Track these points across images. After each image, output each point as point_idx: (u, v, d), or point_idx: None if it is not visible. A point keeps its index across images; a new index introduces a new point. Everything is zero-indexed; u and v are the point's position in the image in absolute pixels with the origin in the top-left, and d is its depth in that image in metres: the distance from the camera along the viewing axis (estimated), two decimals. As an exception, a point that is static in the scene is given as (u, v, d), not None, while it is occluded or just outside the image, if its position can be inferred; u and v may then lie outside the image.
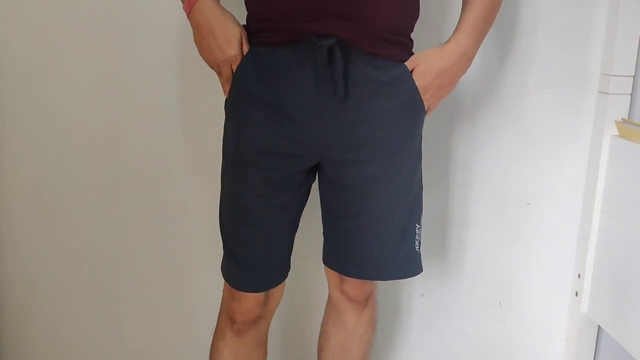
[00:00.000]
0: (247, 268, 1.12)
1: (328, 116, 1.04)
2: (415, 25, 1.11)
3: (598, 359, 1.55)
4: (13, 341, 1.56)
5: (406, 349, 1.62)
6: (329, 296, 1.28)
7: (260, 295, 1.15)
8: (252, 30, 1.06)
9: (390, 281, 1.49)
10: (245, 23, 1.09)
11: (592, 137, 1.47)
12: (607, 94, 1.40)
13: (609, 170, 1.42)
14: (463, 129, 1.49)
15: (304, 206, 1.16)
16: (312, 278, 1.51)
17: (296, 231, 1.17)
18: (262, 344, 1.23)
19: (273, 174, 1.07)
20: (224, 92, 1.10)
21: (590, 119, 1.47)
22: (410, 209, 1.13)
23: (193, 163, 1.48)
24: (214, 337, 1.22)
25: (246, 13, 1.09)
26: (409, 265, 1.15)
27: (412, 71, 1.06)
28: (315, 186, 1.17)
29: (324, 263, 1.22)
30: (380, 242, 1.11)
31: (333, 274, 1.22)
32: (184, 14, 1.06)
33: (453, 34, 1.09)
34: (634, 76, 1.39)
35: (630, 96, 1.40)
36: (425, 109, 1.10)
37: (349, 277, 1.18)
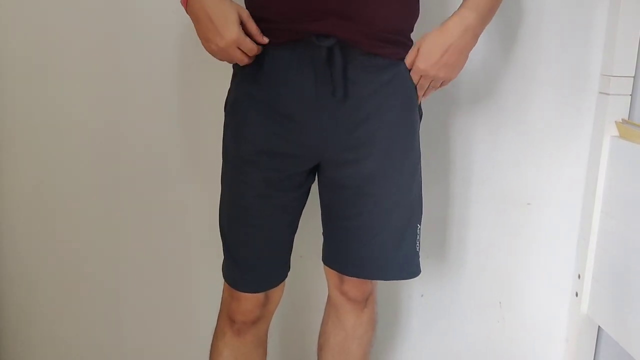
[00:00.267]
0: (247, 268, 1.12)
1: (327, 116, 1.04)
2: (415, 25, 1.11)
3: (598, 359, 1.55)
4: (13, 341, 1.56)
5: (406, 349, 1.62)
6: (329, 296, 1.28)
7: (260, 296, 1.15)
8: None
9: (390, 281, 1.50)
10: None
11: (592, 137, 1.47)
12: (607, 94, 1.40)
13: (609, 171, 1.42)
14: (463, 129, 1.49)
15: (304, 206, 1.16)
16: (312, 278, 1.51)
17: (296, 231, 1.17)
18: (262, 344, 1.23)
19: (273, 174, 1.07)
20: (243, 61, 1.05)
21: (590, 120, 1.47)
22: (411, 209, 1.13)
23: (193, 163, 1.48)
24: (213, 337, 1.22)
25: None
26: (408, 265, 1.15)
27: (417, 54, 1.04)
28: (315, 186, 1.17)
29: (324, 263, 1.21)
30: (380, 241, 1.11)
31: (333, 274, 1.22)
32: (184, 14, 1.05)
33: (457, 9, 1.06)
34: (634, 77, 1.39)
35: (630, 97, 1.40)
36: (436, 87, 1.09)
37: (349, 276, 1.18)
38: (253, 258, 1.12)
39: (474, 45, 1.07)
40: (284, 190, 1.09)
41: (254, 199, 1.08)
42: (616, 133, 1.41)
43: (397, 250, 1.12)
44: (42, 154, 1.46)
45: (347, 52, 1.01)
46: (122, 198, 1.49)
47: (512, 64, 1.45)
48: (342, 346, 1.26)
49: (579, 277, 1.51)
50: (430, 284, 1.57)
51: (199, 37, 1.04)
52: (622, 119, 1.40)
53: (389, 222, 1.11)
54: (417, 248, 1.15)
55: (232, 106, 1.09)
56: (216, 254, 1.19)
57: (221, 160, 1.13)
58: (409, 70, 1.07)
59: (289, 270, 1.19)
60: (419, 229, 1.15)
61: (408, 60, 1.06)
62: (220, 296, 1.21)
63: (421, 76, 1.06)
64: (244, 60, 1.03)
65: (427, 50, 1.04)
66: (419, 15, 1.11)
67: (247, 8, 1.06)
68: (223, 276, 1.16)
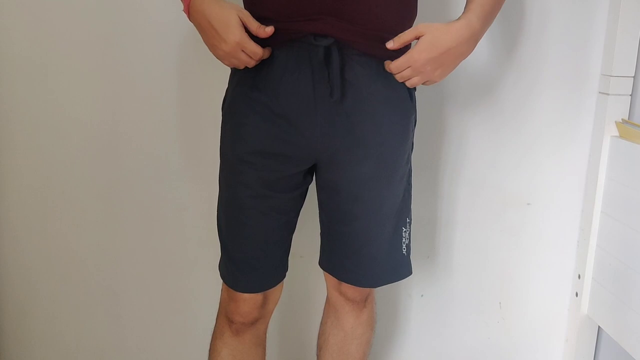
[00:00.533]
0: (244, 268, 1.12)
1: (324, 117, 1.03)
2: (413, 25, 1.10)
3: (598, 359, 1.55)
4: (13, 341, 1.56)
5: (406, 349, 1.62)
6: (328, 297, 1.28)
7: (258, 297, 1.15)
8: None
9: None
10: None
11: (592, 137, 1.47)
12: (607, 94, 1.40)
13: (609, 171, 1.42)
14: (463, 129, 1.48)
15: (301, 207, 1.16)
16: (312, 278, 1.51)
17: (293, 232, 1.17)
18: (261, 343, 1.23)
19: (269, 174, 1.07)
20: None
21: (590, 120, 1.47)
22: (399, 213, 1.14)
23: (192, 163, 1.48)
24: (212, 337, 1.22)
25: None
26: (398, 268, 1.16)
27: (417, 40, 0.99)
28: (313, 187, 1.17)
29: (320, 266, 1.22)
30: (373, 248, 1.12)
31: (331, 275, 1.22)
32: (184, 14, 1.06)
33: (463, 13, 1.03)
34: (634, 77, 1.39)
35: (630, 97, 1.40)
36: (422, 82, 1.03)
37: (344, 282, 1.18)
38: (250, 258, 1.12)
39: (471, 53, 1.05)
40: (280, 190, 1.09)
41: (250, 199, 1.08)
42: (616, 133, 1.41)
43: (388, 255, 1.14)
44: (42, 154, 1.46)
45: (345, 52, 1.01)
46: (122, 198, 1.49)
47: (512, 64, 1.45)
48: (341, 346, 1.26)
49: (579, 277, 1.51)
50: (431, 284, 1.57)
51: (206, 44, 1.03)
52: (622, 119, 1.40)
53: (382, 228, 1.11)
54: (404, 251, 1.16)
55: (229, 106, 1.10)
56: (215, 254, 1.19)
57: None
58: (396, 52, 1.00)
59: (287, 270, 1.19)
60: (405, 231, 1.16)
61: (402, 39, 1.00)
62: (219, 295, 1.21)
63: (409, 66, 1.01)
64: (250, 63, 1.02)
65: (429, 41, 0.99)
66: (417, 15, 1.11)
67: (245, 8, 1.06)
68: (221, 276, 1.16)
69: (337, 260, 1.16)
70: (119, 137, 1.46)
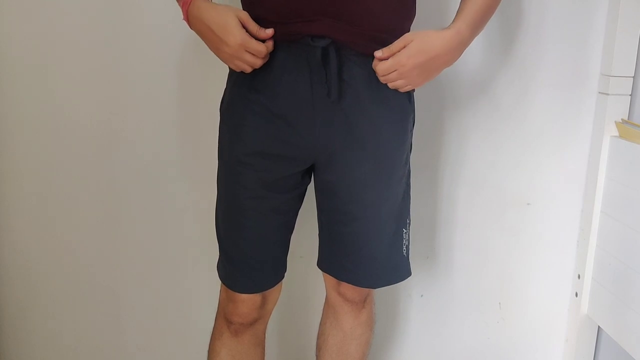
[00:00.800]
0: (242, 269, 1.12)
1: (322, 118, 1.03)
2: (411, 26, 1.10)
3: (598, 359, 1.55)
4: (13, 341, 1.56)
5: (405, 349, 1.62)
6: (327, 297, 1.28)
7: (257, 297, 1.15)
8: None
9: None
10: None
11: (592, 137, 1.47)
12: (607, 94, 1.40)
13: (609, 171, 1.42)
14: (463, 129, 1.48)
15: (300, 208, 1.16)
16: (311, 279, 1.51)
17: (292, 232, 1.17)
18: (260, 343, 1.23)
19: (267, 175, 1.07)
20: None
21: (590, 120, 1.47)
22: (399, 214, 1.13)
23: (192, 164, 1.48)
24: (211, 337, 1.22)
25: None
26: (398, 269, 1.16)
27: (405, 46, 0.99)
28: (312, 187, 1.17)
29: (319, 267, 1.22)
30: (373, 248, 1.12)
31: (329, 275, 1.22)
32: (183, 14, 1.06)
33: (453, 21, 1.04)
34: (633, 77, 1.39)
35: (630, 97, 1.40)
36: (403, 88, 1.04)
37: (343, 282, 1.18)
38: (249, 259, 1.12)
39: (456, 60, 1.05)
40: (278, 191, 1.09)
41: (248, 199, 1.08)
42: (616, 133, 1.41)
43: (388, 256, 1.13)
44: (41, 154, 1.46)
45: (342, 53, 1.01)
46: (121, 199, 1.49)
47: (512, 64, 1.44)
48: (340, 347, 1.26)
49: (579, 277, 1.51)
50: (430, 285, 1.57)
51: (211, 50, 1.03)
52: (622, 119, 1.40)
53: (381, 229, 1.11)
54: (404, 252, 1.16)
55: (228, 107, 1.10)
56: (214, 255, 1.19)
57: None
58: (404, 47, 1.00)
59: (286, 271, 1.19)
60: (405, 232, 1.16)
61: (391, 50, 1.00)
62: (218, 296, 1.21)
63: (396, 70, 1.01)
64: (256, 63, 1.01)
65: (417, 47, 1.00)
66: (415, 15, 1.10)
67: (242, 9, 1.06)
68: (219, 277, 1.17)
69: (337, 260, 1.16)
70: (118, 137, 1.46)
